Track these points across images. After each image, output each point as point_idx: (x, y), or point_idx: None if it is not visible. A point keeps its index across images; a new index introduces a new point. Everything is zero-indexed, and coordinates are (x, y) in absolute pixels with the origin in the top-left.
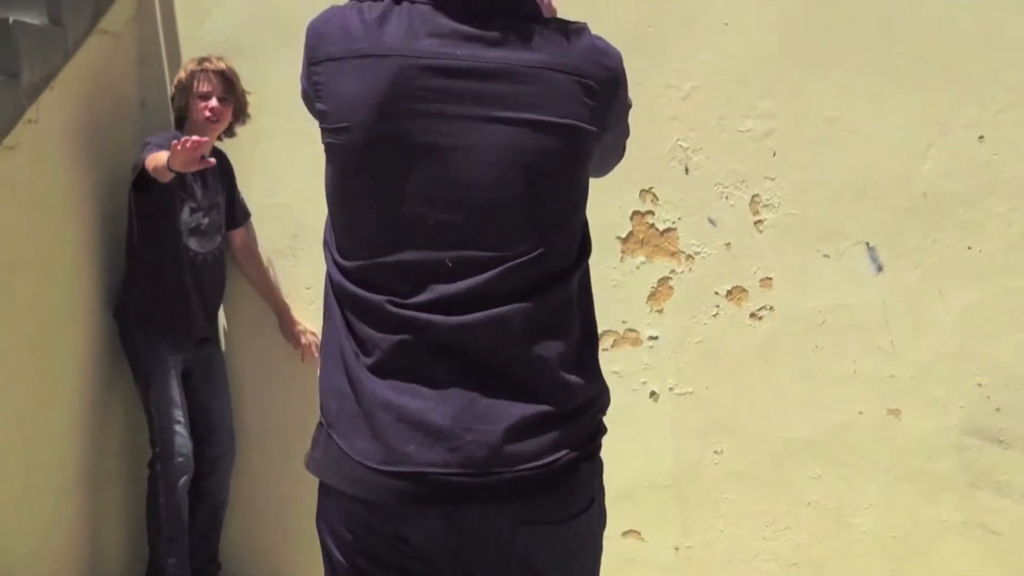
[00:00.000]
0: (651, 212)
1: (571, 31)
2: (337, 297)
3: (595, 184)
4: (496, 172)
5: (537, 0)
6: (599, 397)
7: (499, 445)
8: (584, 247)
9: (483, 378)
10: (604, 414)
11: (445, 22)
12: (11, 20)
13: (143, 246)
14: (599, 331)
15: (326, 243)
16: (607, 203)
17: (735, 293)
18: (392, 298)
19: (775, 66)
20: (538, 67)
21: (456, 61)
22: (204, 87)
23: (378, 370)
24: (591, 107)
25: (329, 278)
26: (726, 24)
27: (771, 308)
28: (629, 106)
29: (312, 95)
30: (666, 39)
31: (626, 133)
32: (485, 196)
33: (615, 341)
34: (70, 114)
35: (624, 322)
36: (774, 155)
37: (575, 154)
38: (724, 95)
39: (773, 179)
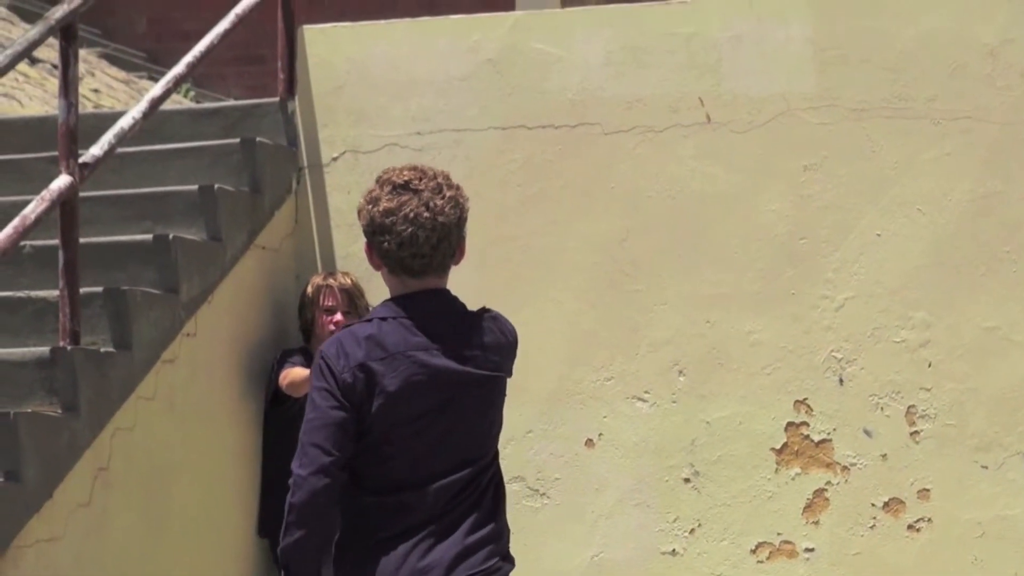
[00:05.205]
0: (805, 423)
1: (490, 317)
2: (355, 506)
3: (748, 396)
4: (473, 412)
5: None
6: (507, 529)
7: (455, 564)
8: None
9: (448, 527)
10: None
11: (423, 327)
12: (171, 236)
13: (281, 458)
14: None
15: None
16: (761, 415)
17: (892, 505)
18: (404, 494)
19: (929, 276)
20: (483, 345)
21: (437, 352)
22: (328, 302)
23: (389, 543)
24: (507, 362)
25: (350, 500)
26: (878, 235)
27: (929, 520)
28: None
29: (354, 399)
30: (819, 250)
31: None
32: (469, 427)
33: (770, 553)
34: (227, 328)
35: (779, 534)
36: (930, 365)
37: (502, 392)
38: (878, 306)
39: (929, 390)
